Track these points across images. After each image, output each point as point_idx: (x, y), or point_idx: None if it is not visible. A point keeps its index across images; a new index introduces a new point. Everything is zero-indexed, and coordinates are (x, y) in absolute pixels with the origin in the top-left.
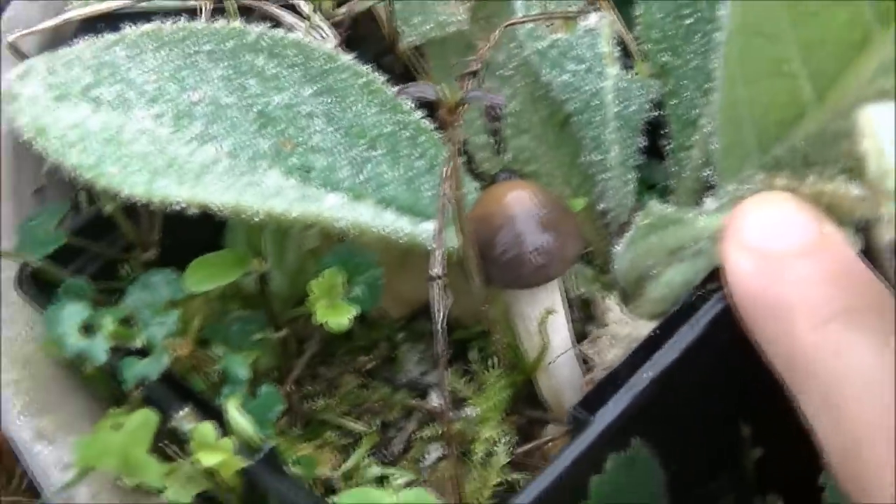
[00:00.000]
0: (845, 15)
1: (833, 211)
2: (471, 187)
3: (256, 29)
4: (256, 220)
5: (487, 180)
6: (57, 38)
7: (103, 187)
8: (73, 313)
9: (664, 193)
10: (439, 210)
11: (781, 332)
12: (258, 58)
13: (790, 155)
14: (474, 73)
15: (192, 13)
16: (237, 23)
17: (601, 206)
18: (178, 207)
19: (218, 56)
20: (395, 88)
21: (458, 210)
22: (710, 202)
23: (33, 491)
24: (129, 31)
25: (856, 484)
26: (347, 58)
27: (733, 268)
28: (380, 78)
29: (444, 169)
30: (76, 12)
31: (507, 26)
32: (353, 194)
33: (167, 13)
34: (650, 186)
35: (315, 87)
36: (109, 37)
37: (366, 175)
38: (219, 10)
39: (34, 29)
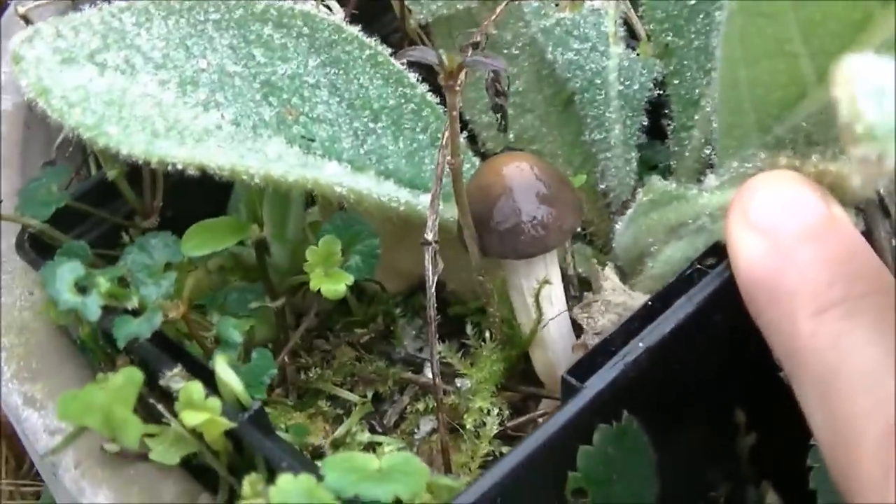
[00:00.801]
0: None
1: (835, 190)
2: (473, 162)
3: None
4: (254, 183)
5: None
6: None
7: (103, 146)
8: (68, 270)
9: (665, 173)
10: (436, 176)
11: (782, 318)
12: (265, 27)
13: (792, 134)
14: (476, 45)
15: None
16: None
17: (603, 185)
18: (176, 168)
19: (225, 25)
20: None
21: (454, 178)
22: (711, 179)
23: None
24: None
25: (846, 476)
26: (354, 29)
27: (738, 247)
28: (385, 51)
29: (442, 136)
30: None
31: (511, 1)
32: (355, 165)
33: None
34: (651, 167)
35: (321, 59)
36: (118, 3)
37: (368, 147)
38: None
39: (45, 1)
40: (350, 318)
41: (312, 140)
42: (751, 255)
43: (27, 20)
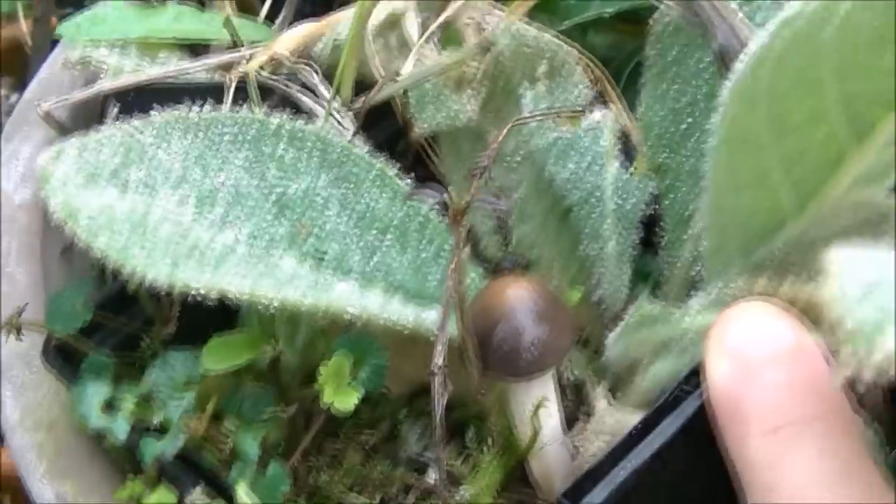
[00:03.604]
0: (822, 133)
1: (808, 312)
2: (477, 272)
3: (277, 119)
4: (272, 308)
5: (493, 263)
6: (87, 104)
7: (129, 272)
8: (95, 392)
9: (657, 284)
10: (443, 305)
11: (737, 435)
12: (279, 144)
13: (769, 259)
14: (482, 172)
15: (218, 88)
16: (260, 114)
17: (597, 294)
18: (199, 294)
19: (240, 142)
20: (406, 184)
21: (460, 306)
22: (694, 301)
23: None
24: (157, 115)
25: None
26: (362, 151)
27: (711, 370)
28: (392, 169)
29: (450, 265)
30: (108, 84)
31: (514, 124)
32: (363, 280)
33: (192, 90)
34: (644, 276)
35: (331, 174)
36: (137, 122)
37: (376, 261)
38: (241, 89)
39: (67, 99)
40: (357, 420)
41: (323, 256)
42: (720, 376)
43: (52, 119)
